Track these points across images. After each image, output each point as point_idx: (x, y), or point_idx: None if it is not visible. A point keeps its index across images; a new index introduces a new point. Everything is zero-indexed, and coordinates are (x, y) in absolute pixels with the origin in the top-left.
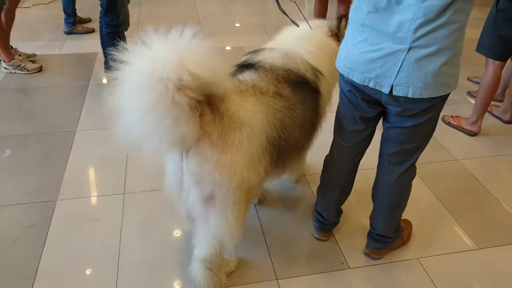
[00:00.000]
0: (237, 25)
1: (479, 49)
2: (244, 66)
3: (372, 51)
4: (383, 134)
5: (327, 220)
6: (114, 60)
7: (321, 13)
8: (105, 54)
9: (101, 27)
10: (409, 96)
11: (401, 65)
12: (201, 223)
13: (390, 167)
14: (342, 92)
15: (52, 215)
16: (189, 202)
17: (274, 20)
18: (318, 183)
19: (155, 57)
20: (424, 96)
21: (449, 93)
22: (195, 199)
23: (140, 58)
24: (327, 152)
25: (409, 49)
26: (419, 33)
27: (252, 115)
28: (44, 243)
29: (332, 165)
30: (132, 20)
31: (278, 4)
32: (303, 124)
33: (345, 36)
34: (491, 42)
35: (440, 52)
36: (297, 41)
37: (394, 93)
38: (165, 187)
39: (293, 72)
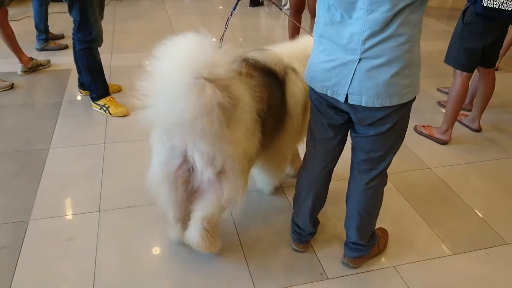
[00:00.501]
0: (213, 40)
1: (447, 60)
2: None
3: (329, 61)
4: (352, 143)
5: (303, 230)
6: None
7: (295, 28)
8: (79, 71)
9: (74, 44)
10: (363, 104)
11: (353, 75)
12: (213, 194)
13: (359, 175)
14: (311, 100)
15: (24, 236)
16: (203, 182)
17: (251, 35)
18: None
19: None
20: (377, 105)
21: (409, 103)
22: (209, 177)
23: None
24: None
25: (360, 59)
26: (367, 45)
27: (241, 92)
28: (16, 265)
29: (305, 174)
30: (106, 36)
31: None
32: (273, 105)
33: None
34: (458, 54)
35: (390, 63)
36: (289, 46)
37: (349, 101)
38: (154, 182)
39: (262, 63)
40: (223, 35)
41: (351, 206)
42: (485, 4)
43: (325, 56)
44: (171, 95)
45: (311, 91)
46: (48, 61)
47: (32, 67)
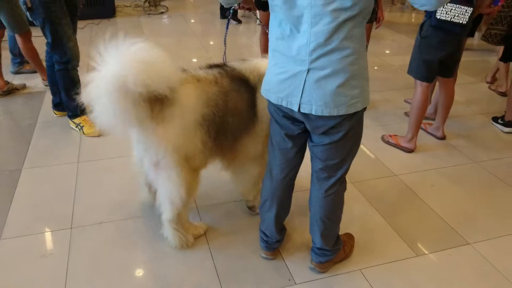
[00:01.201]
0: (194, 60)
1: (409, 72)
2: (215, 66)
3: (281, 73)
4: (310, 152)
5: (271, 238)
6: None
7: (266, 45)
8: (53, 92)
9: (48, 65)
10: (313, 113)
11: (304, 85)
12: (157, 187)
13: (318, 183)
14: (269, 112)
15: None
16: (145, 168)
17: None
18: None
19: (117, 70)
20: (326, 114)
21: (359, 113)
22: (147, 164)
23: (105, 71)
24: None
25: (308, 70)
26: (314, 56)
27: (185, 95)
28: None
29: (268, 183)
30: (82, 57)
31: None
32: (235, 109)
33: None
34: (418, 65)
35: (335, 74)
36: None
37: (301, 110)
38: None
39: (237, 71)
40: (224, 53)
41: (313, 213)
42: (438, 17)
43: (278, 69)
44: (102, 98)
45: (269, 103)
46: (24, 85)
47: (8, 91)
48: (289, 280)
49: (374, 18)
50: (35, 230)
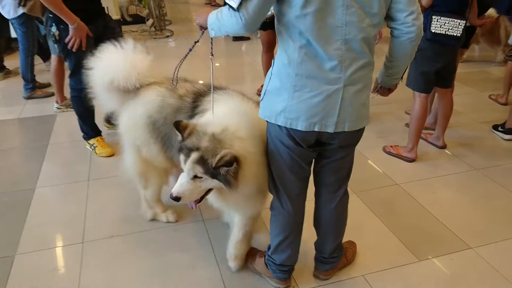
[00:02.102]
0: (201, 81)
1: (408, 84)
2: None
3: (314, 97)
4: (318, 168)
5: (292, 265)
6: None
7: (268, 64)
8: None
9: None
10: (346, 129)
11: (340, 103)
12: None
13: (329, 196)
14: (283, 152)
15: (11, 269)
16: None
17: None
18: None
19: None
20: (357, 128)
21: None
22: None
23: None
24: None
25: (344, 87)
26: (348, 72)
27: (143, 95)
28: None
29: (291, 218)
30: None
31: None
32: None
33: (269, 91)
34: (415, 77)
35: (364, 88)
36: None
37: (337, 130)
38: None
39: (202, 96)
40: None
41: (325, 226)
42: (433, 30)
43: (308, 93)
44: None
45: (286, 138)
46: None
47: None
48: (294, 287)
49: None
50: (48, 245)
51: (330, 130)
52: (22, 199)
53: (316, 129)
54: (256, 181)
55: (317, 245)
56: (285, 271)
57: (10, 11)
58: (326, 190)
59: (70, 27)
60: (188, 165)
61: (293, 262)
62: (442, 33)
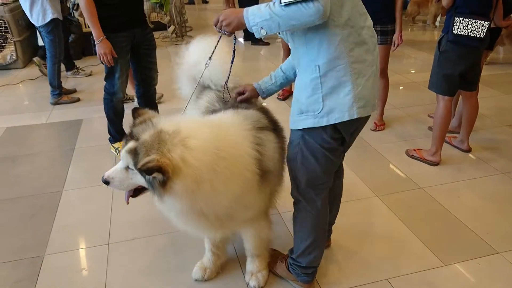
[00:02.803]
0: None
1: (430, 86)
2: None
3: (367, 80)
4: None
5: (316, 266)
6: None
7: None
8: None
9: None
10: (371, 112)
11: (377, 82)
12: None
13: (338, 173)
14: (321, 156)
15: (40, 269)
16: None
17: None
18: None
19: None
20: (375, 109)
21: None
22: None
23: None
24: None
25: (375, 69)
26: (375, 54)
27: None
28: None
29: (319, 217)
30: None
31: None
32: None
33: (327, 94)
34: (438, 80)
35: (377, 70)
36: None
37: (372, 111)
38: None
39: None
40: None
41: (336, 196)
42: (455, 32)
43: (363, 78)
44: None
45: (329, 140)
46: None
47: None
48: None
49: (389, 40)
50: (75, 246)
51: (371, 112)
52: (50, 201)
53: (370, 113)
54: (192, 199)
55: (330, 218)
56: (310, 273)
57: (39, 19)
58: (336, 171)
59: (95, 41)
60: (122, 152)
61: (318, 263)
62: (464, 35)
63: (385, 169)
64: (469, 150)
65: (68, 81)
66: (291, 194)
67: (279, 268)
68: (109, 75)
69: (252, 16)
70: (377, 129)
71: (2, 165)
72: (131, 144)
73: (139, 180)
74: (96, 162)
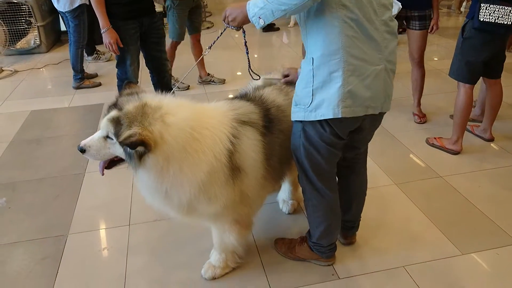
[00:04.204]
0: (239, 73)
1: (450, 74)
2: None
3: (364, 79)
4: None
5: (336, 242)
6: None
7: None
8: None
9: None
10: (383, 110)
11: (383, 84)
12: None
13: (359, 165)
14: (322, 149)
15: (64, 247)
16: None
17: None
18: None
19: None
20: (389, 108)
21: None
22: None
23: None
24: None
25: (384, 67)
26: (386, 52)
27: None
28: (57, 273)
29: (332, 203)
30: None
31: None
32: None
33: (320, 82)
34: (460, 67)
35: (395, 67)
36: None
37: (382, 110)
38: None
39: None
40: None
41: (354, 195)
42: (481, 19)
43: (358, 77)
44: None
45: (328, 135)
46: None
47: (206, 81)
48: (333, 275)
49: (428, 24)
50: (97, 226)
51: (377, 111)
52: (73, 182)
53: (368, 112)
54: (160, 177)
55: (348, 214)
56: (332, 248)
57: (66, 4)
58: (355, 163)
59: (102, 30)
60: (104, 121)
61: (336, 239)
62: (491, 22)
63: (405, 157)
64: (491, 140)
65: (89, 66)
66: (299, 182)
67: (301, 252)
68: (121, 62)
69: (252, 7)
70: (421, 121)
71: (28, 146)
72: (114, 113)
73: (117, 150)
74: None
